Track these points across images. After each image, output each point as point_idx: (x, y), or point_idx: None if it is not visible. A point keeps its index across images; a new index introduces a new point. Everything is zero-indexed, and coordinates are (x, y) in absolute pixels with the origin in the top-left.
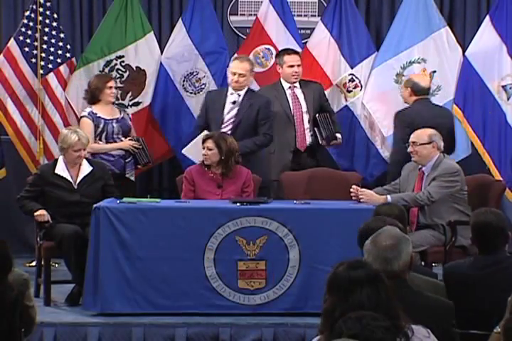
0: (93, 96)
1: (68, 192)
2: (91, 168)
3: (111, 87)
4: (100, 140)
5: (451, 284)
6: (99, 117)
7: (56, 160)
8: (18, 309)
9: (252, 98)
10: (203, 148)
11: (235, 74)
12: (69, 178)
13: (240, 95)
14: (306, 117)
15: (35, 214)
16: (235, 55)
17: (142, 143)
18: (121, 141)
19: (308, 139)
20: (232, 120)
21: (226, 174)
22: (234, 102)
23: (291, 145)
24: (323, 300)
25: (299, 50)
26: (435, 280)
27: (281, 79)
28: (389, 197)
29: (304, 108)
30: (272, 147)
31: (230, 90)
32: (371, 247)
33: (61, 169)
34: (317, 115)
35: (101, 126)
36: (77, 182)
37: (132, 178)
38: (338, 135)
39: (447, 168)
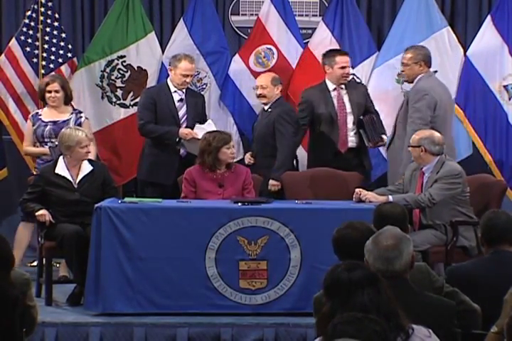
0: (41, 98)
1: (68, 191)
2: (91, 168)
3: (50, 91)
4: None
5: (454, 285)
6: (40, 119)
7: (56, 161)
8: (19, 307)
9: (193, 95)
10: (228, 148)
11: (187, 75)
12: (69, 177)
13: (183, 92)
14: (350, 119)
15: (37, 214)
16: (181, 54)
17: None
18: (53, 144)
19: (352, 140)
20: (185, 117)
21: (230, 166)
22: (181, 100)
23: (334, 147)
24: (315, 300)
25: (300, 49)
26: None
27: (327, 80)
28: (390, 197)
29: (349, 109)
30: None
31: (172, 88)
32: (372, 247)
33: (61, 169)
34: (362, 117)
35: (34, 127)
36: (77, 181)
37: None
38: (384, 136)
39: (449, 170)
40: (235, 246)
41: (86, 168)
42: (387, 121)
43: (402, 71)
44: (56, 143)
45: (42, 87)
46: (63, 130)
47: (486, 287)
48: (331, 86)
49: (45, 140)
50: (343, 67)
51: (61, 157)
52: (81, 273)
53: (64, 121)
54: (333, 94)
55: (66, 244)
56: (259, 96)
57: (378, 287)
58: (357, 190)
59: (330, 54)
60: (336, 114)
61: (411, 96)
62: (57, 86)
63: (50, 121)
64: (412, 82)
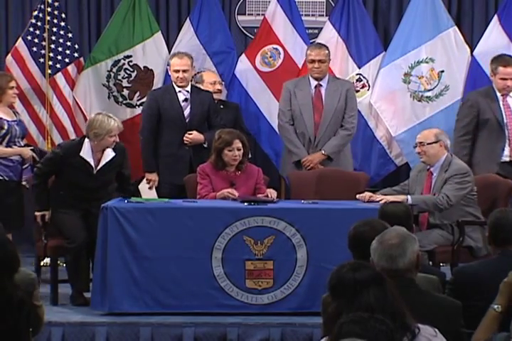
0: None
1: (87, 176)
2: (113, 154)
3: (13, 87)
4: (1, 143)
5: (461, 284)
6: (1, 118)
7: (80, 141)
8: (25, 309)
9: (199, 93)
10: (230, 150)
11: (178, 71)
12: (92, 163)
13: (188, 92)
14: None
15: (36, 213)
16: (175, 52)
17: (38, 155)
18: (20, 144)
19: None
20: (188, 118)
21: (240, 168)
22: (186, 99)
23: (499, 157)
24: (323, 301)
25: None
26: (427, 275)
27: (494, 86)
28: (409, 197)
29: None
30: (475, 158)
31: (177, 88)
32: (377, 245)
33: (86, 153)
34: None
35: (6, 127)
36: (99, 168)
37: (28, 186)
38: None
39: (458, 169)
40: (242, 245)
41: (109, 154)
42: (393, 121)
43: (317, 67)
44: (21, 143)
45: (4, 85)
46: (94, 116)
47: (493, 288)
48: (498, 92)
49: (15, 140)
50: (503, 79)
51: (87, 140)
52: (75, 273)
53: (20, 120)
54: (500, 100)
55: (76, 254)
56: (219, 91)
57: (384, 286)
58: (367, 194)
59: (496, 61)
60: (503, 121)
61: (351, 91)
62: (15, 83)
63: (12, 121)
64: (321, 79)
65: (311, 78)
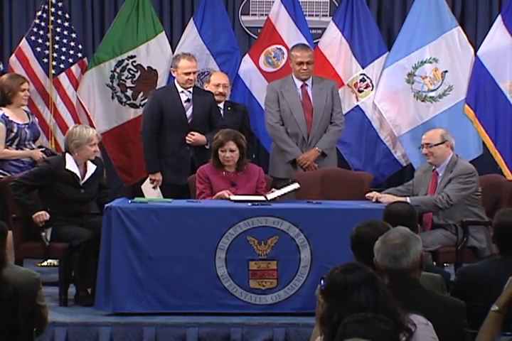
0: (4, 98)
1: (75, 189)
2: (95, 167)
3: (24, 90)
4: (10, 145)
5: (464, 285)
6: (12, 121)
7: (62, 156)
8: (20, 304)
9: (201, 94)
10: (223, 151)
11: (189, 73)
12: (79, 175)
13: (190, 92)
14: None
15: (36, 214)
16: (180, 53)
17: (50, 155)
18: (32, 147)
19: None
20: (191, 118)
21: (240, 169)
22: (188, 100)
23: None
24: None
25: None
26: (430, 274)
27: None
28: (408, 199)
29: None
30: None
31: (179, 88)
32: (381, 245)
33: (71, 165)
34: None
35: (15, 130)
36: (85, 180)
37: None
38: None
39: (463, 169)
40: (245, 246)
41: (91, 167)
42: (397, 121)
43: (305, 69)
44: (33, 145)
45: (15, 87)
46: (72, 128)
47: (497, 288)
48: None
49: (25, 143)
50: None
51: (67, 154)
52: (82, 272)
53: (32, 123)
54: None
55: (84, 250)
56: (221, 94)
57: (375, 286)
58: (371, 194)
59: None
60: None
61: (336, 89)
62: (28, 85)
63: (24, 124)
64: (306, 79)
65: (295, 78)
